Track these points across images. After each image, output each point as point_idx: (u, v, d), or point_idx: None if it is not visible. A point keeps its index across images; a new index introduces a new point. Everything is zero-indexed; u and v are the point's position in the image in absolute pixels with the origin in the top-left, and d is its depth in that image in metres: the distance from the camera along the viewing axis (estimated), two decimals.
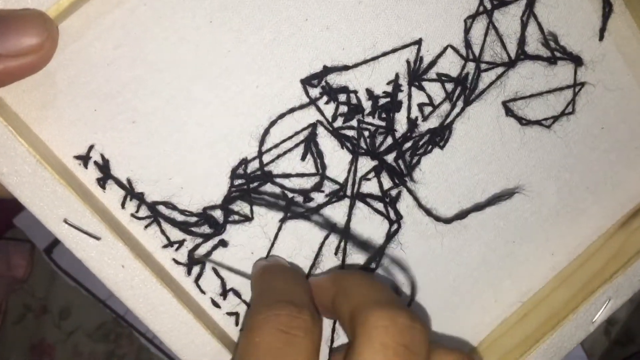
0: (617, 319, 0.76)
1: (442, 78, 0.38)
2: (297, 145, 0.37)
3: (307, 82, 0.37)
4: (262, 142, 0.36)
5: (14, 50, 0.30)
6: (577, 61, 0.40)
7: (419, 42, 0.37)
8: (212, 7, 0.35)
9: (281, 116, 0.36)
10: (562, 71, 0.40)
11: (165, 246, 0.36)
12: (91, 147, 0.35)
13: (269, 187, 0.37)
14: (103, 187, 0.35)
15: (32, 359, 0.84)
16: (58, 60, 0.33)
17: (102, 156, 0.35)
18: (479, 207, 0.39)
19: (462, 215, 0.39)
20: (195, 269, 0.37)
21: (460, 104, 0.39)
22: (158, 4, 0.34)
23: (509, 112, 0.39)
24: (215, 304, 0.37)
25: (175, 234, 0.37)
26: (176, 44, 0.35)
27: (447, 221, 0.39)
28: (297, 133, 0.37)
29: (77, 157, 0.35)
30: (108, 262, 0.34)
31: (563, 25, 0.39)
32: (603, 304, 0.39)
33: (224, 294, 0.37)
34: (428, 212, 0.39)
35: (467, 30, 0.38)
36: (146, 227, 0.36)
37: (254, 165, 0.37)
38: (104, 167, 0.35)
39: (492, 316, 0.42)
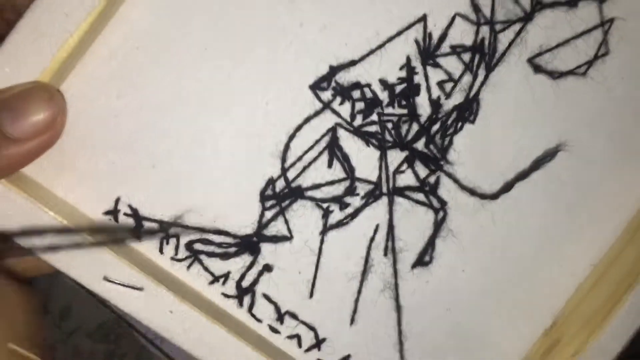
0: None
1: (456, 50, 0.36)
2: (320, 153, 0.36)
3: (316, 87, 0.35)
4: (283, 158, 0.35)
5: (28, 131, 0.30)
6: None
7: (423, 19, 0.35)
8: (203, 36, 0.34)
9: (298, 128, 0.35)
10: (586, 12, 0.37)
11: (211, 282, 0.36)
12: (118, 200, 0.35)
13: (301, 202, 0.36)
14: (138, 237, 0.35)
15: None
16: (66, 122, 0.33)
17: (130, 206, 0.35)
18: (523, 175, 0.36)
19: (507, 187, 0.36)
20: (247, 299, 0.36)
21: (482, 72, 0.36)
22: (150, 43, 0.33)
23: (537, 68, 0.37)
24: (274, 330, 0.37)
25: (219, 267, 0.36)
26: (176, 80, 0.34)
27: (494, 196, 0.37)
28: (317, 141, 0.36)
29: (107, 213, 0.35)
30: (155, 311, 0.33)
31: None
32: None
33: (280, 318, 0.37)
34: (472, 192, 0.37)
35: None
36: (188, 267, 0.36)
37: (281, 183, 0.36)
38: (135, 217, 0.35)
39: (564, 285, 0.39)
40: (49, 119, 0.31)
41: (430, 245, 0.37)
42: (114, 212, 0.35)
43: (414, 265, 0.37)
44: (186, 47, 0.34)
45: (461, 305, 0.38)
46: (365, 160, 0.36)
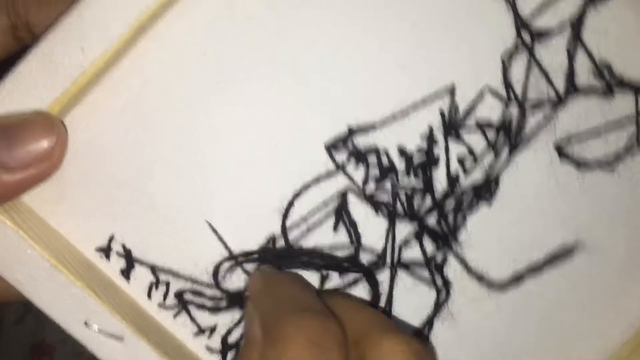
0: None
1: (481, 126, 0.35)
2: (327, 216, 0.34)
3: (332, 147, 0.34)
4: (285, 216, 0.34)
5: (23, 160, 0.29)
6: (637, 89, 0.35)
7: (452, 88, 0.34)
8: (221, 75, 0.32)
9: (306, 187, 0.34)
10: (621, 103, 0.35)
11: (196, 334, 0.34)
12: (112, 238, 0.33)
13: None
14: (127, 277, 0.34)
15: (32, 359, 0.83)
16: (69, 152, 0.32)
17: (124, 246, 0.33)
18: (536, 269, 0.34)
19: (518, 278, 0.35)
20: (230, 355, 0.35)
21: (505, 151, 0.35)
22: (163, 81, 0.32)
23: (563, 155, 0.35)
24: None
25: (207, 319, 0.35)
26: (187, 118, 0.33)
27: (502, 286, 0.35)
28: (326, 203, 0.34)
29: (99, 250, 0.33)
30: None
31: (618, 51, 0.35)
32: None
33: None
34: (480, 278, 0.35)
35: (505, 69, 0.34)
36: (175, 316, 0.34)
37: (281, 242, 0.34)
38: (127, 257, 0.33)
39: None
40: (46, 150, 0.29)
41: (428, 324, 0.36)
42: (106, 250, 0.33)
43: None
44: (201, 85, 0.32)
45: None
46: (372, 228, 0.35)
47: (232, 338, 0.35)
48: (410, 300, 0.35)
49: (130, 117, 0.32)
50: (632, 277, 0.37)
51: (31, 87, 0.29)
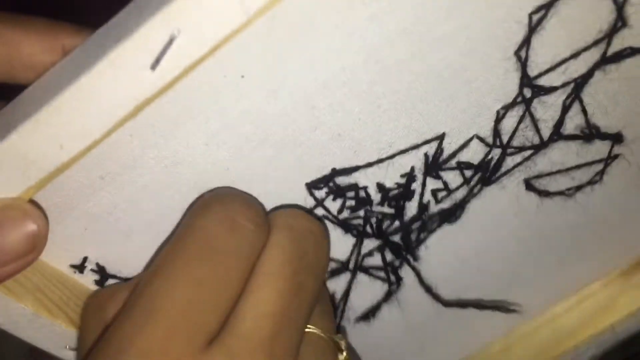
0: None
1: (461, 166, 0.35)
2: None
3: (312, 186, 0.33)
4: None
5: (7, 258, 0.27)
6: (616, 139, 0.35)
7: (441, 137, 0.33)
8: (208, 130, 0.30)
9: None
10: (597, 147, 0.36)
11: None
12: (85, 259, 0.33)
13: None
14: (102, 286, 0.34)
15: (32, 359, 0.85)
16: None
17: (98, 264, 0.33)
18: (480, 306, 0.38)
19: (461, 305, 0.39)
20: None
21: (478, 186, 0.36)
22: (146, 135, 0.29)
23: (529, 187, 0.36)
24: None
25: None
26: (170, 168, 0.30)
27: (446, 304, 0.39)
28: None
29: (73, 266, 0.33)
30: None
31: (610, 108, 0.34)
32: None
33: None
34: (428, 290, 0.39)
35: (498, 120, 0.33)
36: None
37: None
38: (101, 273, 0.34)
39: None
40: (24, 246, 0.27)
41: (377, 307, 0.40)
42: (79, 267, 0.33)
43: (357, 320, 0.40)
44: (186, 142, 0.30)
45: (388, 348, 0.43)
46: (340, 245, 0.36)
47: None
48: (365, 292, 0.39)
49: (107, 163, 0.29)
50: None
51: (2, 179, 0.26)
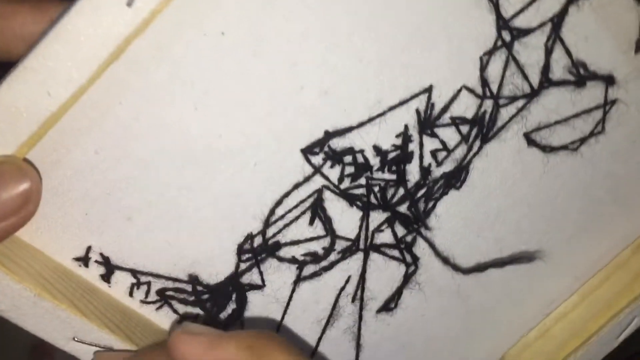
0: None
1: (456, 121, 0.35)
2: (303, 212, 0.35)
3: (308, 151, 0.33)
4: (267, 223, 0.34)
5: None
6: (608, 80, 0.35)
7: (429, 90, 0.33)
8: (194, 94, 0.31)
9: (286, 195, 0.34)
10: (591, 92, 0.36)
11: (179, 322, 0.36)
12: (89, 249, 0.33)
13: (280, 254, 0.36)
14: (108, 281, 0.34)
15: (32, 359, 0.85)
16: (39, 172, 0.31)
17: (102, 254, 0.33)
18: (499, 264, 0.37)
19: (480, 268, 0.37)
20: None
21: (477, 143, 0.35)
22: (135, 103, 0.30)
23: (531, 142, 0.36)
24: None
25: (189, 310, 0.36)
26: (161, 136, 0.31)
27: (465, 272, 0.38)
28: (302, 202, 0.34)
29: (77, 259, 0.33)
30: None
31: (593, 44, 0.34)
32: (628, 324, 0.39)
33: None
34: (445, 261, 0.37)
35: (483, 68, 0.33)
36: (157, 309, 0.35)
37: (261, 238, 0.35)
38: (106, 265, 0.33)
39: (513, 331, 0.42)
40: (21, 200, 0.28)
41: (397, 294, 0.38)
42: (84, 259, 0.33)
43: (379, 311, 0.39)
44: (177, 107, 0.30)
45: (416, 343, 0.41)
46: (347, 219, 0.36)
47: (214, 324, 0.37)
48: (382, 276, 0.38)
49: (99, 136, 0.30)
50: (583, 237, 0.40)
51: None
